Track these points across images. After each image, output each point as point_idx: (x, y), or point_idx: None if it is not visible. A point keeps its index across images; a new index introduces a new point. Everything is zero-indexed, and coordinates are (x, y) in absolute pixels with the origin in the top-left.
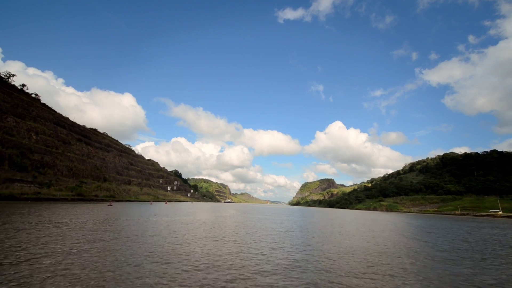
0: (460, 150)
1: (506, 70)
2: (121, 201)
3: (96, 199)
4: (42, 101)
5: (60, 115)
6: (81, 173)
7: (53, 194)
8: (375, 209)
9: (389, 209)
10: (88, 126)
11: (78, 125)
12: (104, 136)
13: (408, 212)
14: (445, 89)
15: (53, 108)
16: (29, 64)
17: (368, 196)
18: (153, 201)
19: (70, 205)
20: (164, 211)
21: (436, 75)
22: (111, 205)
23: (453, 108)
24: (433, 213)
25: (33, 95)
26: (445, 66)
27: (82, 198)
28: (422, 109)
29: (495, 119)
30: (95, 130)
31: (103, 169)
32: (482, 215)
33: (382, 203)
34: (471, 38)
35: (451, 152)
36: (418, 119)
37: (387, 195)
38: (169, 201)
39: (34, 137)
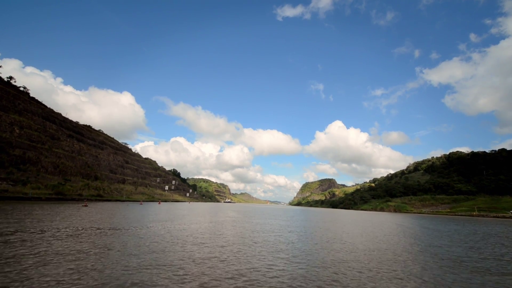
0: (460, 150)
1: (508, 69)
2: (110, 201)
3: (79, 199)
4: (31, 95)
5: (51, 110)
6: (69, 171)
7: (24, 193)
8: (382, 209)
9: (398, 209)
10: (86, 124)
11: (71, 121)
12: (98, 133)
13: (419, 213)
14: (445, 89)
15: (48, 104)
16: (27, 63)
17: (374, 196)
18: (147, 201)
19: (32, 206)
20: (146, 215)
21: (437, 75)
22: (86, 206)
23: (453, 108)
24: (446, 214)
25: (21, 88)
26: (446, 66)
27: (61, 197)
28: (422, 109)
29: (495, 119)
30: (89, 126)
31: (95, 167)
32: (504, 217)
33: (389, 203)
34: (473, 37)
35: (457, 151)
36: (419, 119)
37: (394, 195)
38: (165, 201)
39: (17, 131)
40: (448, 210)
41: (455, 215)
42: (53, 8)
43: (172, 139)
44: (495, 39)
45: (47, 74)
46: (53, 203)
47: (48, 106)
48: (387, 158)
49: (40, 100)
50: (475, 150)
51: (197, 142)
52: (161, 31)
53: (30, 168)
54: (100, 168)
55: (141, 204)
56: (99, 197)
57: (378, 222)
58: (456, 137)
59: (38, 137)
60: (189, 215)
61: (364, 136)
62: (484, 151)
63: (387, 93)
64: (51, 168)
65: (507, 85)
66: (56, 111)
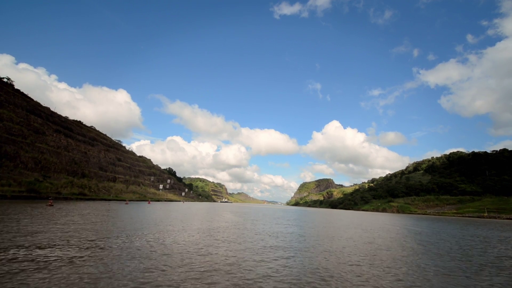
0: (460, 151)
1: (504, 71)
2: (94, 200)
3: (57, 198)
4: (22, 90)
5: (37, 103)
6: (53, 167)
7: None
8: (384, 210)
9: (401, 210)
10: (76, 120)
11: (59, 116)
12: (90, 129)
13: (423, 214)
14: (442, 90)
15: (41, 102)
16: (22, 60)
17: (375, 197)
18: (138, 200)
19: None
20: (117, 219)
21: (434, 76)
22: (51, 205)
23: (449, 109)
24: (453, 215)
25: (5, 80)
26: (443, 68)
27: (34, 195)
28: (418, 110)
29: (490, 121)
30: (80, 122)
31: (83, 163)
32: None
33: (391, 204)
34: (470, 38)
35: (458, 151)
36: (415, 120)
37: (396, 195)
38: (157, 200)
39: None
40: (455, 211)
41: (463, 216)
42: (47, 7)
43: (169, 138)
44: (492, 41)
45: (41, 71)
46: (17, 202)
47: (42, 103)
48: (384, 159)
49: (35, 97)
50: (471, 151)
51: (194, 141)
52: (157, 29)
53: (6, 163)
54: (89, 165)
55: (126, 203)
56: (82, 196)
57: (407, 226)
58: (451, 139)
59: (19, 131)
60: (176, 218)
61: (361, 136)
62: (485, 152)
63: (385, 93)
64: (31, 164)
65: (503, 87)
66: (41, 103)
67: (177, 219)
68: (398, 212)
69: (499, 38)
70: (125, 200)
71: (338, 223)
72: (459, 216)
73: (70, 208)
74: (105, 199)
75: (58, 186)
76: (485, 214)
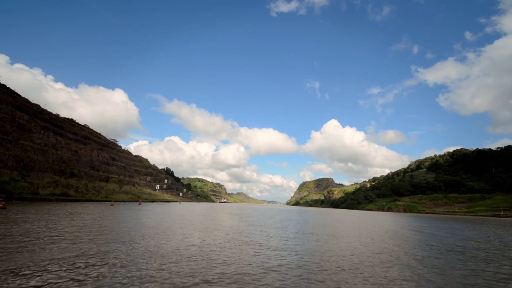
0: (463, 148)
1: (502, 69)
2: (77, 201)
3: (32, 198)
4: (2, 82)
5: (25, 100)
6: (37, 166)
7: None
8: (390, 209)
9: (408, 209)
10: (68, 117)
11: (49, 113)
12: (83, 127)
13: (432, 213)
14: (440, 88)
15: (38, 102)
16: (17, 60)
17: (379, 195)
18: (131, 201)
19: None
20: (62, 229)
21: (432, 75)
22: (3, 207)
23: (447, 108)
24: (465, 215)
25: None
26: (441, 66)
27: (4, 196)
28: (417, 108)
29: (489, 120)
30: (72, 120)
31: (73, 162)
32: None
33: (397, 203)
34: (468, 35)
35: (462, 148)
36: (413, 118)
37: (401, 194)
38: (153, 201)
39: None
40: (466, 210)
41: (476, 215)
42: (43, 8)
43: (167, 138)
44: (490, 38)
45: (37, 71)
46: None
47: (35, 101)
48: (383, 157)
49: (31, 98)
50: (475, 149)
51: (192, 141)
52: (154, 28)
53: None
54: (79, 164)
55: (111, 205)
56: (64, 197)
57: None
58: (450, 137)
59: (1, 127)
60: (159, 225)
61: (360, 135)
62: (490, 149)
63: (383, 91)
64: (12, 162)
65: (502, 85)
66: (30, 100)
67: (166, 223)
68: (405, 211)
69: (498, 35)
70: (107, 201)
71: (380, 230)
72: (472, 216)
73: (25, 211)
74: (91, 200)
75: (39, 186)
76: (502, 213)
